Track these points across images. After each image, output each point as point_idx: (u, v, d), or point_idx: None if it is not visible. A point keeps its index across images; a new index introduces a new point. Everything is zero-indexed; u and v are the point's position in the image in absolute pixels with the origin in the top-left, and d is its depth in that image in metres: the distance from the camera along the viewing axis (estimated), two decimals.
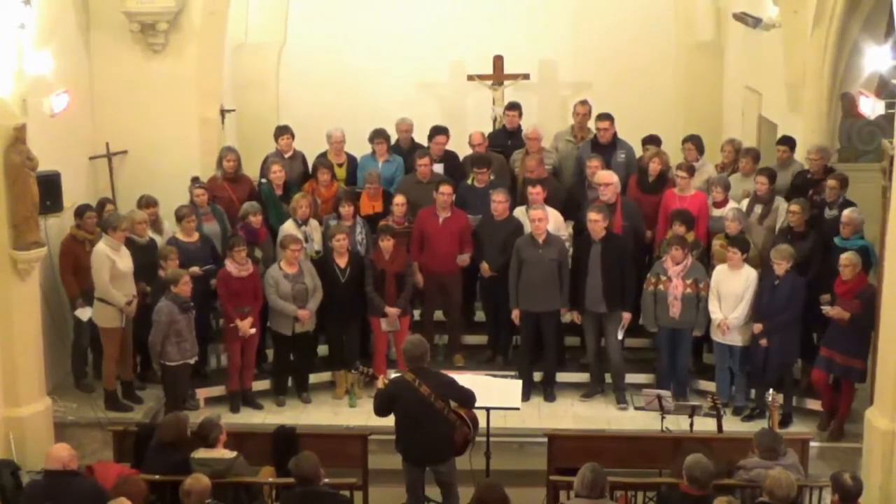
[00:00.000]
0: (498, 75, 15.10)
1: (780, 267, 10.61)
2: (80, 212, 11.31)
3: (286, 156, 12.59)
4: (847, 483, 7.61)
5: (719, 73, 15.67)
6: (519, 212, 11.71)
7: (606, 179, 11.53)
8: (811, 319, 10.83)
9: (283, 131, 12.73)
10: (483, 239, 11.76)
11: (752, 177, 11.71)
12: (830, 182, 11.11)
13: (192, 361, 10.83)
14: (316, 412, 11.42)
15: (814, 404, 10.99)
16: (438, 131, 12.74)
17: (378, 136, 12.74)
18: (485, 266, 11.75)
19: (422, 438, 8.82)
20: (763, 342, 10.77)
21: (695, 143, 12.36)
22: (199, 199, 11.73)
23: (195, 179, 11.97)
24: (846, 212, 10.72)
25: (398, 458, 9.08)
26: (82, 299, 11.18)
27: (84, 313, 11.20)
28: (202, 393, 11.47)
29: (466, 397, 8.91)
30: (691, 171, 11.79)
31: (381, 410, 8.96)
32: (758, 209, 11.45)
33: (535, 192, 11.44)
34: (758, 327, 10.79)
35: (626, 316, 11.27)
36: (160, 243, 11.49)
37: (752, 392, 11.09)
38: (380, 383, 9.08)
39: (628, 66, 15.61)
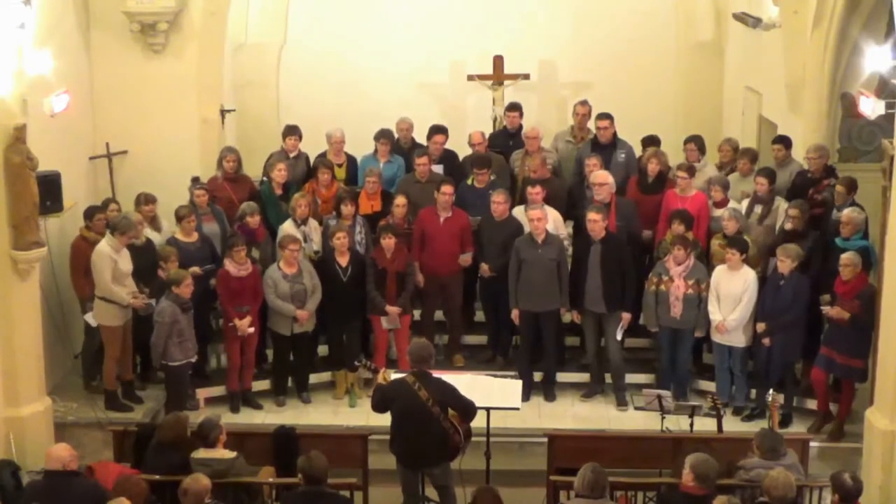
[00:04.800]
0: (498, 75, 15.09)
1: (785, 265, 10.58)
2: (90, 214, 11.32)
3: (291, 155, 12.59)
4: (847, 483, 7.61)
5: (719, 73, 15.66)
6: (518, 212, 11.71)
7: (602, 180, 11.53)
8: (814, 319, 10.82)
9: (291, 131, 12.69)
10: (483, 239, 11.75)
11: (751, 177, 11.71)
12: (838, 188, 11.06)
13: (193, 360, 10.87)
14: (316, 412, 11.42)
15: (814, 404, 10.97)
16: (436, 130, 12.74)
17: (383, 135, 12.72)
18: (484, 266, 11.75)
19: (415, 442, 8.80)
20: (766, 341, 10.77)
21: (697, 143, 12.36)
22: (198, 200, 11.72)
23: (195, 180, 11.98)
24: (846, 211, 10.70)
25: None
26: (91, 302, 11.14)
27: (92, 318, 11.18)
28: (202, 393, 11.46)
29: (466, 409, 8.84)
30: (692, 171, 11.78)
31: (378, 407, 8.95)
32: (758, 209, 11.44)
33: (535, 192, 11.44)
34: (761, 326, 10.79)
35: (626, 316, 11.26)
36: (158, 241, 11.49)
37: (753, 392, 11.09)
38: (380, 378, 9.06)
39: (628, 66, 15.60)
